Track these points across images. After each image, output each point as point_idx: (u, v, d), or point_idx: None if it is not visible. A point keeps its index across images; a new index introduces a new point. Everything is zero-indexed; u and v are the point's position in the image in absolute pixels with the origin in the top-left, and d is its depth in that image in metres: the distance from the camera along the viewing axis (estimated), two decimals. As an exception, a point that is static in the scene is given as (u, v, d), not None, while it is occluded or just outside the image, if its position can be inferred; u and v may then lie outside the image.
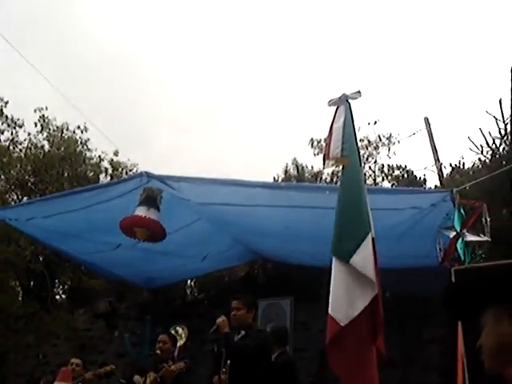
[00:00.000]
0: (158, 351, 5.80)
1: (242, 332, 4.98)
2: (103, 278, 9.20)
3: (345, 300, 3.54)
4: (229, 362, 4.78)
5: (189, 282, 10.47)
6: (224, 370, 4.77)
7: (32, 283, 12.24)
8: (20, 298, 12.07)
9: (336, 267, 3.68)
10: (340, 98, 4.22)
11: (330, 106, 4.26)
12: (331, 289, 3.64)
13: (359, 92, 4.22)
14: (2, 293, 10.91)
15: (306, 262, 7.27)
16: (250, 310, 5.11)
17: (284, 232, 5.98)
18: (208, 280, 9.84)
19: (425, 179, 9.18)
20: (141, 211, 5.14)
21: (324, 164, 4.17)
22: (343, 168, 4.02)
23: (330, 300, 3.59)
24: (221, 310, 8.83)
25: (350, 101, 4.21)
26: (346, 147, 3.98)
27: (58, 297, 12.50)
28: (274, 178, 10.26)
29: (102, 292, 10.44)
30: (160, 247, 6.27)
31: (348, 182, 3.94)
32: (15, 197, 11.68)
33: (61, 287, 12.49)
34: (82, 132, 12.28)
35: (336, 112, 4.22)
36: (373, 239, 3.67)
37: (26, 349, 10.95)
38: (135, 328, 9.61)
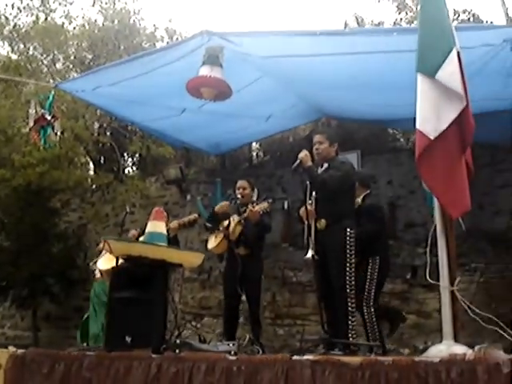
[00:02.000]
0: (239, 196, 5.98)
1: (325, 164, 5.04)
2: (170, 145, 9.41)
3: (433, 114, 3.55)
4: (314, 194, 4.89)
5: (254, 144, 10.60)
6: (310, 202, 4.88)
7: (102, 157, 12.69)
8: (92, 173, 12.60)
9: (422, 85, 3.64)
10: None
11: None
12: (418, 105, 3.62)
13: None
14: (75, 168, 11.39)
15: (370, 115, 7.15)
16: (332, 143, 5.12)
17: (349, 84, 5.84)
18: (273, 141, 9.93)
19: (491, 22, 8.71)
20: (205, 71, 5.09)
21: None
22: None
23: (418, 115, 3.59)
24: (287, 169, 9.03)
25: None
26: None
27: (128, 169, 12.99)
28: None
29: (171, 159, 10.74)
30: (224, 108, 6.27)
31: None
32: (75, 75, 11.76)
33: (130, 159, 12.92)
34: (133, 1, 12.08)
35: None
36: (458, 53, 3.59)
37: (104, 219, 11.58)
38: (206, 191, 9.98)
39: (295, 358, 3.41)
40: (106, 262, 6.36)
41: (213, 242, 6.07)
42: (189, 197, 7.90)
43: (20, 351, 4.59)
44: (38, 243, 10.77)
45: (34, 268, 10.43)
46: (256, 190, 6.42)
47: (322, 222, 4.86)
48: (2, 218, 11.13)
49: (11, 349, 5.03)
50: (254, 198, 6.18)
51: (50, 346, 10.34)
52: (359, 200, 5.59)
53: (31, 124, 6.80)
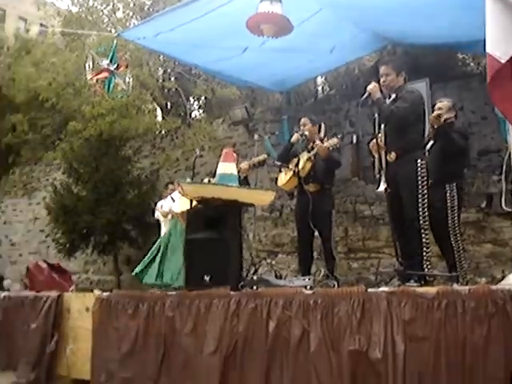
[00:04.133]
0: (306, 133, 5.95)
1: (393, 95, 4.94)
2: (235, 86, 9.39)
3: (503, 37, 3.39)
4: (383, 126, 4.82)
5: (319, 78, 10.43)
6: (379, 134, 4.83)
7: (169, 103, 12.83)
8: (160, 119, 12.80)
9: (491, 5, 3.46)
10: None
11: None
12: (487, 27, 3.46)
13: None
14: (144, 115, 11.60)
15: (438, 39, 6.86)
16: (399, 73, 4.97)
17: (413, 6, 5.60)
18: (338, 74, 9.73)
19: None
20: (264, 7, 5.02)
21: None
22: None
23: (487, 38, 3.43)
24: (354, 102, 8.85)
25: None
26: None
27: (195, 112, 13.10)
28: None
29: (237, 100, 10.74)
30: (286, 44, 6.17)
31: None
32: (136, 22, 11.80)
33: (196, 102, 13.01)
34: None
35: None
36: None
37: (175, 163, 11.81)
38: (273, 129, 9.97)
39: (371, 290, 3.45)
40: (181, 205, 6.54)
41: (283, 180, 6.11)
42: (256, 136, 7.89)
43: (105, 294, 4.85)
44: (113, 191, 11.17)
45: (111, 215, 10.87)
46: (323, 125, 6.35)
47: (392, 155, 4.79)
48: (77, 169, 11.56)
49: (97, 292, 5.34)
50: (322, 134, 6.13)
51: (132, 288, 10.87)
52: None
53: (90, 76, 6.93)
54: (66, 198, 11.52)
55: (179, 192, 5.06)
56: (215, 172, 5.43)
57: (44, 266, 5.71)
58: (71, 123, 11.32)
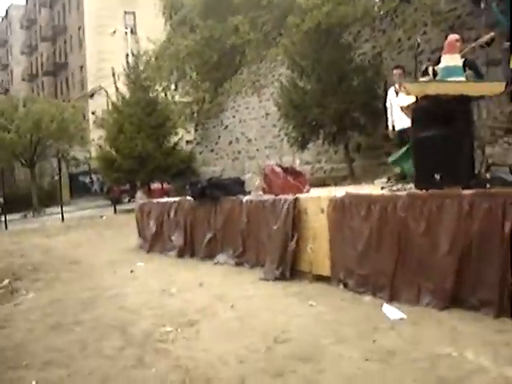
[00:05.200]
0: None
1: None
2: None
3: None
4: None
5: None
6: None
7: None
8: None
9: None
10: None
11: None
12: None
13: None
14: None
15: None
16: None
17: None
18: None
19: None
20: None
21: None
22: None
23: None
24: None
25: None
26: None
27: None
28: None
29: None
30: None
31: None
32: None
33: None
34: None
35: None
36: None
37: (397, 44, 11.34)
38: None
39: None
40: (406, 98, 6.31)
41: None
42: (483, 4, 7.14)
43: (339, 196, 4.99)
44: (337, 81, 11.18)
45: (338, 105, 10.95)
46: None
47: None
48: (299, 63, 11.71)
49: (331, 191, 5.53)
50: None
51: (364, 174, 11.06)
52: None
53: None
54: (293, 93, 11.85)
55: (402, 92, 4.86)
56: (439, 60, 5.10)
57: (279, 170, 6.01)
58: (289, 17, 11.40)
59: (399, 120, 7.43)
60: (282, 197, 5.67)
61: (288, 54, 12.04)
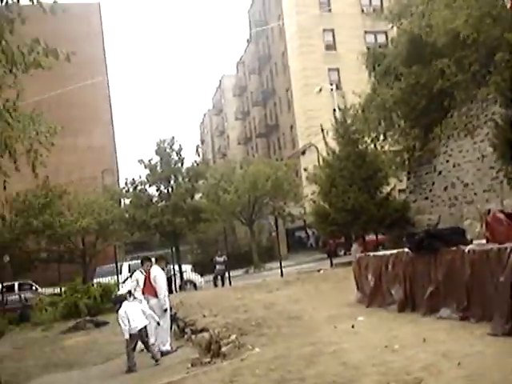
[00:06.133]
0: None
1: None
2: None
3: None
4: None
5: None
6: None
7: None
8: None
9: None
10: None
11: None
12: None
13: None
14: None
15: None
16: None
17: None
18: None
19: None
20: None
21: None
22: None
23: None
24: None
25: None
26: None
27: None
28: None
29: None
30: None
31: None
32: None
33: None
34: None
35: None
36: None
37: None
38: None
39: None
40: None
41: None
42: None
43: None
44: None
45: None
46: None
47: None
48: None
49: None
50: None
51: None
52: None
53: None
54: (509, 132, 11.16)
55: None
56: None
57: (501, 216, 5.67)
58: (498, 54, 10.88)
59: None
60: (508, 245, 5.31)
61: (500, 91, 11.44)
